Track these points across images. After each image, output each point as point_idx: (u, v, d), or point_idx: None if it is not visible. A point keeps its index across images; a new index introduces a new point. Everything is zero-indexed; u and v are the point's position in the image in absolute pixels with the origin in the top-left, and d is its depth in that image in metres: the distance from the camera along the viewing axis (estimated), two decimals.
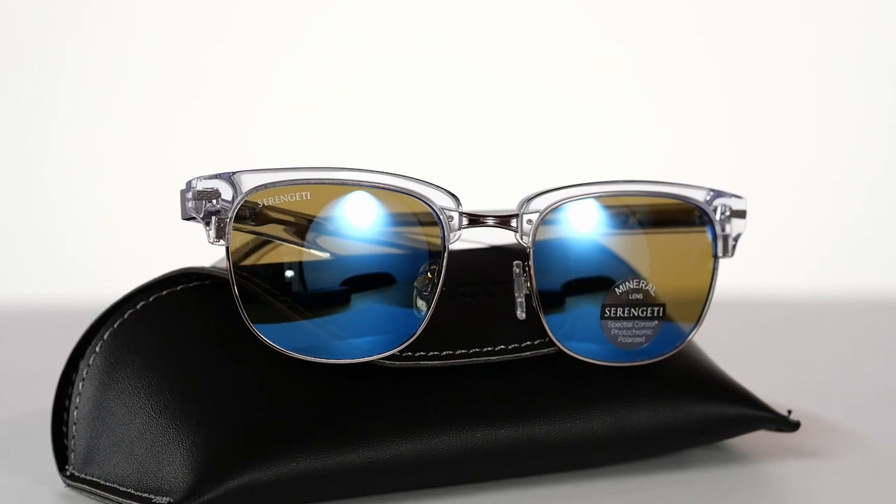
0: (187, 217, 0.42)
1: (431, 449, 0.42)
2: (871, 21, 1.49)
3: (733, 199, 0.49)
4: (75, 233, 1.45)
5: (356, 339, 0.43)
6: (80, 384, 0.43)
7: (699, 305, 0.48)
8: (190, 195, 0.42)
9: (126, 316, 0.44)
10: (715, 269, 0.49)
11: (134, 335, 0.43)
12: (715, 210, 0.49)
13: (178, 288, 0.44)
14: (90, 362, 0.43)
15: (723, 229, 0.49)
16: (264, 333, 0.42)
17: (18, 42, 1.42)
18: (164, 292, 0.44)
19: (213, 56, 1.47)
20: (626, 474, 0.47)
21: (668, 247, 0.49)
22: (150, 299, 0.44)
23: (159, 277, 0.44)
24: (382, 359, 0.43)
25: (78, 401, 0.43)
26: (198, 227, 0.42)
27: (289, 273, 0.43)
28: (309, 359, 0.42)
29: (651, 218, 0.48)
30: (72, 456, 0.43)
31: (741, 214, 0.49)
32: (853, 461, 0.49)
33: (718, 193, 0.49)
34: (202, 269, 0.44)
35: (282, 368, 0.42)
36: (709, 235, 0.49)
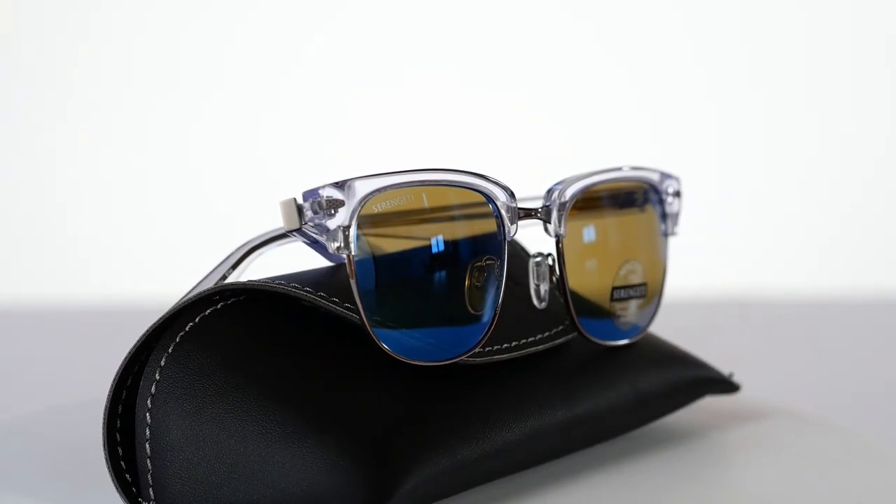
0: (294, 228, 0.40)
1: (536, 431, 0.44)
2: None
3: (673, 180, 0.53)
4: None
5: (439, 338, 0.43)
6: (147, 415, 0.40)
7: (661, 281, 0.52)
8: (307, 205, 0.40)
9: (178, 339, 0.41)
10: (667, 245, 0.53)
11: (195, 357, 0.41)
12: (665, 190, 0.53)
13: (219, 306, 0.42)
14: (152, 391, 0.40)
15: (671, 209, 0.53)
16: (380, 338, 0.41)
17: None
18: (208, 311, 0.42)
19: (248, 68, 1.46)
20: (613, 464, 0.49)
21: (643, 227, 0.52)
22: (197, 320, 0.42)
23: (193, 297, 0.42)
24: (469, 357, 0.43)
25: (148, 433, 0.40)
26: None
27: (391, 278, 0.42)
28: (414, 362, 0.42)
29: (633, 200, 0.51)
30: (150, 491, 0.40)
31: (679, 195, 0.54)
32: (820, 449, 0.52)
33: (665, 175, 0.53)
34: (236, 284, 0.43)
35: (368, 372, 0.42)
36: (658, 214, 0.52)
